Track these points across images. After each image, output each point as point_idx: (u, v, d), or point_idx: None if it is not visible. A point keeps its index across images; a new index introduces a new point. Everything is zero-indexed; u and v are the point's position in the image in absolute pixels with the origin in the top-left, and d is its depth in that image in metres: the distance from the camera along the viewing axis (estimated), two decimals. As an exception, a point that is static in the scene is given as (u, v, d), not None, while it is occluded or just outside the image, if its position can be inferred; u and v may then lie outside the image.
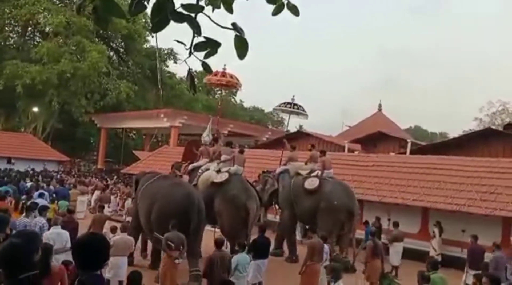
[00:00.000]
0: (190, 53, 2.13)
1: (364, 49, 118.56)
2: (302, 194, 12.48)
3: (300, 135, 27.12)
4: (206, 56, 2.20)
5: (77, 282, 2.70)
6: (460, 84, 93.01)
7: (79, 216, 14.25)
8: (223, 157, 12.00)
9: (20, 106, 34.01)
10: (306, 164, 13.27)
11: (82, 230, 10.00)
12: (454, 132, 46.37)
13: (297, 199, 12.61)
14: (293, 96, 15.45)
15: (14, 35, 38.81)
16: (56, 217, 9.35)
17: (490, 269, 9.07)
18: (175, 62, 41.92)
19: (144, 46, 40.12)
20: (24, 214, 9.40)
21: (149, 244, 10.81)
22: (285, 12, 2.35)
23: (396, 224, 12.02)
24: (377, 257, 9.12)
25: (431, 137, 54.99)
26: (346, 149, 23.65)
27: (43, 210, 9.39)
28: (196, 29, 2.10)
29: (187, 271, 8.98)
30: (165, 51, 40.89)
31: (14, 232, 6.58)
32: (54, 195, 14.69)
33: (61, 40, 34.12)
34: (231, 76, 15.49)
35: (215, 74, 14.78)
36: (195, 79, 2.58)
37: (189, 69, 2.30)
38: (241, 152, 12.49)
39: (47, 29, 35.20)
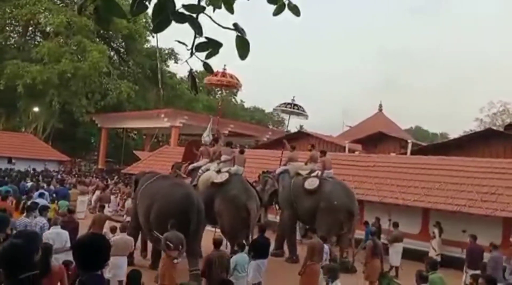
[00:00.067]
0: (192, 54, 2.13)
1: (365, 49, 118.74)
2: (302, 194, 12.48)
3: (301, 136, 27.11)
4: (208, 57, 2.19)
5: (78, 282, 2.70)
6: (460, 85, 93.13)
7: (80, 216, 14.25)
8: (223, 157, 12.00)
9: (21, 106, 34.02)
10: (306, 164, 13.27)
11: (83, 230, 10.02)
12: (454, 132, 46.44)
13: (297, 199, 12.60)
14: (293, 96, 15.48)
15: (15, 35, 38.84)
16: (56, 217, 9.36)
17: (488, 269, 9.11)
18: (176, 62, 42.00)
19: (145, 46, 40.14)
20: (24, 214, 9.40)
21: (149, 244, 10.81)
22: (286, 12, 2.34)
23: (396, 225, 12.01)
24: (376, 257, 9.14)
25: (432, 138, 54.99)
26: (346, 149, 23.64)
27: (43, 210, 9.40)
28: (198, 29, 2.10)
29: (187, 270, 8.98)
30: (166, 51, 40.88)
31: (14, 232, 6.61)
32: (54, 195, 14.70)
33: (61, 40, 34.15)
34: (231, 76, 15.50)
35: (215, 75, 14.79)
36: (196, 80, 2.58)
37: (191, 69, 2.30)
38: (242, 152, 12.49)
39: (48, 29, 35.23)
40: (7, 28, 37.17)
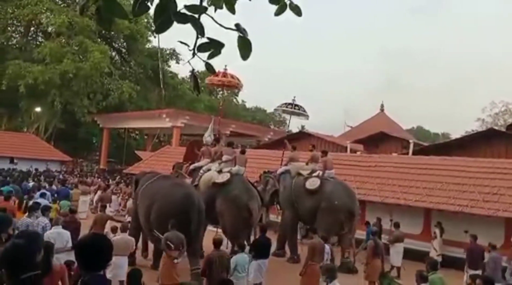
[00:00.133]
0: (194, 54, 2.13)
1: (366, 49, 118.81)
2: (303, 194, 12.48)
3: (302, 136, 27.10)
4: (210, 57, 2.19)
5: (80, 283, 2.70)
6: (462, 85, 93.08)
7: (81, 216, 14.26)
8: (224, 157, 11.99)
9: (23, 106, 34.08)
10: (307, 164, 13.28)
11: (84, 230, 10.04)
12: (456, 133, 46.39)
13: (298, 199, 12.61)
14: (294, 97, 15.48)
15: (17, 35, 38.91)
16: (57, 217, 9.36)
17: (487, 270, 9.16)
18: (177, 62, 42.07)
19: (146, 46, 40.19)
20: (26, 214, 9.42)
21: (151, 244, 10.81)
22: (287, 12, 2.34)
23: (397, 225, 12.00)
24: (377, 257, 9.13)
25: (434, 138, 54.96)
26: (348, 149, 23.63)
27: (45, 210, 9.40)
28: (200, 30, 2.09)
29: (188, 270, 8.99)
30: (167, 52, 40.93)
31: (16, 232, 6.62)
32: (56, 195, 14.72)
33: (63, 40, 34.20)
34: (232, 76, 15.53)
35: (216, 75, 14.80)
36: (198, 80, 2.58)
37: (193, 70, 2.30)
38: (243, 152, 12.49)
39: (49, 29, 35.31)
40: (9, 28, 37.25)
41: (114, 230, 9.24)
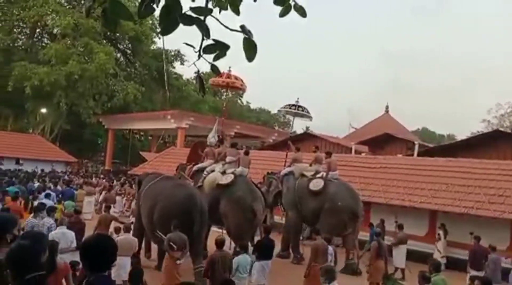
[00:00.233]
0: (199, 56, 2.13)
1: (370, 51, 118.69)
2: (307, 195, 12.48)
3: (307, 137, 27.07)
4: (215, 59, 2.19)
5: (85, 283, 2.70)
6: (467, 86, 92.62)
7: (86, 217, 14.29)
8: (228, 158, 12.00)
9: (29, 107, 34.28)
10: (310, 165, 13.27)
11: (89, 230, 10.07)
12: (462, 134, 46.28)
13: (302, 200, 12.62)
14: (297, 98, 15.46)
15: (23, 37, 39.13)
16: (62, 217, 9.40)
17: (488, 271, 9.20)
18: (182, 64, 42.12)
19: (151, 47, 40.30)
20: (32, 215, 9.47)
21: (154, 245, 10.82)
22: (292, 13, 2.34)
23: (401, 227, 11.97)
24: (381, 258, 9.14)
25: (439, 139, 54.73)
26: (353, 151, 23.58)
27: (51, 210, 9.45)
28: (205, 31, 2.09)
29: (191, 269, 9.00)
30: (172, 53, 41.05)
31: (21, 232, 6.65)
32: (60, 196, 14.78)
33: (69, 41, 34.38)
34: (236, 77, 15.54)
35: (221, 76, 14.83)
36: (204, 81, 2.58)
37: (198, 71, 2.30)
38: (247, 153, 12.49)
39: (55, 30, 35.47)
40: (15, 30, 37.49)
41: (117, 230, 9.27)
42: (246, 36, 2.15)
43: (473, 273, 9.54)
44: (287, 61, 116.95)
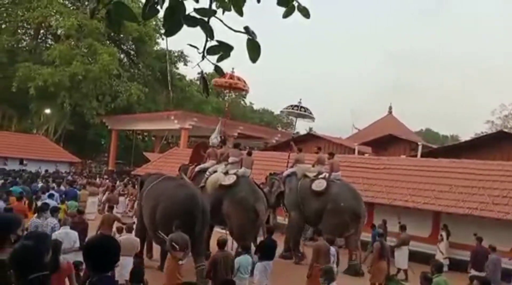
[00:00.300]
0: (203, 57, 2.13)
1: (373, 51, 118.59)
2: (310, 195, 12.49)
3: (310, 138, 27.04)
4: (219, 60, 2.20)
5: (88, 284, 2.71)
6: (471, 86, 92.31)
7: (90, 217, 14.31)
8: (231, 159, 12.00)
9: (33, 108, 34.40)
10: (313, 166, 13.27)
11: (92, 230, 10.10)
12: (465, 135, 46.15)
13: (304, 201, 12.62)
14: (300, 99, 15.44)
15: (27, 38, 39.28)
16: (66, 218, 9.42)
17: (487, 271, 9.19)
18: (185, 64, 42.16)
19: (155, 48, 40.35)
20: (36, 215, 9.49)
21: (157, 245, 10.83)
22: (295, 14, 2.33)
23: (403, 227, 11.94)
24: (383, 259, 9.14)
25: (442, 140, 54.62)
26: (356, 152, 23.54)
27: (54, 211, 9.48)
28: (209, 33, 2.10)
29: (193, 269, 9.01)
30: (175, 54, 41.09)
31: (25, 233, 6.67)
32: (63, 196, 14.81)
33: (72, 42, 34.47)
34: (239, 78, 15.54)
35: (223, 77, 14.82)
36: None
37: (202, 72, 2.30)
38: (249, 154, 12.50)
39: (59, 31, 35.57)
40: (19, 31, 37.62)
41: (119, 230, 9.30)
42: (250, 37, 2.15)
43: (475, 273, 9.54)
44: (290, 62, 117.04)
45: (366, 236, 12.64)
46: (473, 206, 12.43)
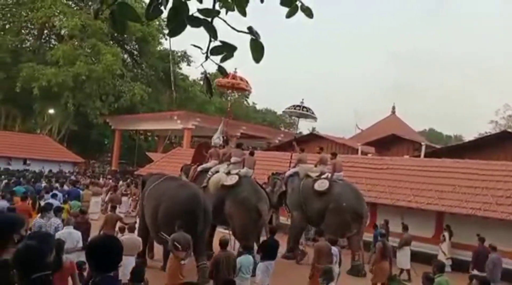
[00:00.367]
0: (207, 57, 2.13)
1: (376, 51, 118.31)
2: (312, 195, 12.47)
3: (313, 138, 27.02)
4: (222, 60, 2.19)
5: (91, 284, 2.72)
6: (474, 86, 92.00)
7: (93, 217, 14.33)
8: (233, 159, 12.00)
9: (36, 108, 34.51)
10: (315, 166, 13.25)
11: (95, 230, 10.12)
12: (469, 135, 45.98)
13: (307, 201, 12.61)
14: (302, 99, 15.43)
15: (30, 38, 39.39)
16: (69, 217, 9.46)
17: (487, 271, 9.20)
18: (188, 65, 42.24)
19: (158, 48, 40.43)
20: (39, 215, 9.53)
21: (159, 245, 10.83)
22: (298, 14, 2.33)
23: (405, 228, 11.92)
24: (385, 259, 9.13)
25: (446, 140, 54.44)
26: (359, 152, 23.50)
27: (58, 211, 9.51)
28: (213, 33, 2.10)
29: (194, 269, 9.02)
30: (179, 54, 41.14)
31: (29, 233, 6.70)
32: (66, 196, 14.85)
33: (76, 43, 34.58)
34: (241, 79, 15.54)
35: (226, 77, 14.83)
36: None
37: (205, 72, 2.30)
38: (252, 154, 12.50)
39: (62, 32, 35.67)
40: (22, 31, 37.76)
41: (122, 230, 9.32)
42: (254, 37, 2.14)
43: (476, 273, 9.54)
44: (293, 62, 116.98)
45: (368, 236, 12.62)
46: (477, 206, 12.39)
